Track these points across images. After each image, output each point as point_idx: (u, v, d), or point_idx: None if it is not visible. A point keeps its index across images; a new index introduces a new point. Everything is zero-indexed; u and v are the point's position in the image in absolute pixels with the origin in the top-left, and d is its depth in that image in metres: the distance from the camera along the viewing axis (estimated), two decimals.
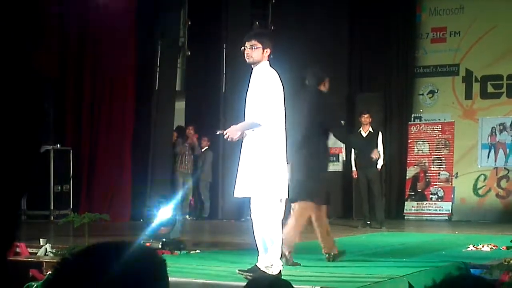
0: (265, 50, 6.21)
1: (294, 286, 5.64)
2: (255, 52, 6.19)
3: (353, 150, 13.11)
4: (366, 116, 12.99)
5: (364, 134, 12.90)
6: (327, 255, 7.48)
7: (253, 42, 6.21)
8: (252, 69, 6.28)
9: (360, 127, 13.09)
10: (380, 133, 13.02)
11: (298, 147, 7.17)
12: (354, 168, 13.09)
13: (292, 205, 7.41)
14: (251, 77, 6.26)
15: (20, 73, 2.04)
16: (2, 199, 2.03)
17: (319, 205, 7.45)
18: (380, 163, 12.70)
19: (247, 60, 6.24)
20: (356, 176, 13.10)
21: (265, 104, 6.08)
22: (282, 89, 6.24)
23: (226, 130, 6.22)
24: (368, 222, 12.77)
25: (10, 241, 2.11)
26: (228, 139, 6.24)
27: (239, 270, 6.21)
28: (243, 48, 6.25)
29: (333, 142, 16.03)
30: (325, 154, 7.65)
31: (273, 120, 6.11)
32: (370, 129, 12.94)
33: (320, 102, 7.49)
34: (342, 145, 15.85)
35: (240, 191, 6.19)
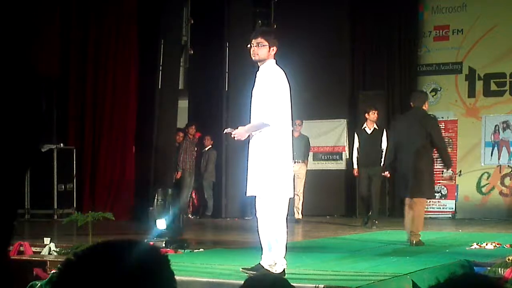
0: (271, 48, 6.21)
1: (297, 284, 5.66)
2: (261, 50, 6.19)
3: (355, 148, 12.81)
4: (374, 112, 12.66)
5: (369, 131, 12.64)
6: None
7: (260, 40, 6.22)
8: (259, 67, 6.28)
9: (363, 124, 12.81)
10: (384, 131, 12.56)
11: (418, 156, 9.09)
12: (355, 166, 12.81)
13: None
14: (258, 75, 6.26)
15: (17, 72, 2.03)
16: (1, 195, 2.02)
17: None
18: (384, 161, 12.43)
19: (253, 58, 6.24)
20: (357, 174, 12.82)
21: (272, 103, 6.08)
22: (289, 88, 6.25)
23: (235, 131, 6.21)
24: (376, 221, 12.49)
25: (8, 238, 2.10)
26: (235, 139, 6.24)
27: (242, 268, 6.21)
28: (249, 45, 6.25)
29: (335, 140, 16.11)
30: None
31: (280, 119, 6.12)
32: (375, 126, 12.65)
33: (428, 120, 9.40)
34: (345, 144, 15.88)
35: (249, 190, 6.22)
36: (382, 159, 12.06)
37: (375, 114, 12.64)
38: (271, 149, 6.11)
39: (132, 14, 14.15)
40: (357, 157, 12.77)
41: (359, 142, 12.73)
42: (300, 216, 13.55)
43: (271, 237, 6.11)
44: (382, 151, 12.17)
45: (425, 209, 15.43)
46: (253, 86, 6.29)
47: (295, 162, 13.05)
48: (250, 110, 6.27)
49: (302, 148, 13.69)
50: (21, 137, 2.02)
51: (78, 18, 14.03)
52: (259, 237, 6.24)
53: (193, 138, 15.06)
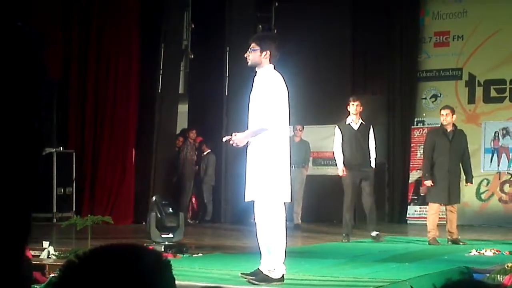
0: (264, 53, 6.21)
1: None
2: (252, 55, 6.23)
3: (337, 146, 10.82)
4: (356, 104, 10.80)
5: (355, 126, 10.84)
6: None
7: (252, 44, 6.28)
8: (256, 72, 6.30)
9: (346, 118, 10.98)
10: (371, 127, 11.03)
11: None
12: (341, 165, 10.72)
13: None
14: (255, 80, 6.28)
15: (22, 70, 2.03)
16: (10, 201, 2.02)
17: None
18: (373, 161, 10.87)
19: (248, 63, 6.29)
20: (345, 174, 10.71)
21: (270, 108, 6.09)
22: (287, 92, 6.25)
23: (234, 138, 6.21)
24: (345, 235, 10.70)
25: (22, 243, 2.10)
26: (234, 145, 6.24)
27: (241, 273, 6.21)
28: (248, 50, 6.31)
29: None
30: None
31: (277, 124, 6.12)
32: (362, 121, 10.92)
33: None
34: None
35: (247, 195, 6.22)
36: (372, 160, 10.85)
37: (355, 105, 10.79)
38: (269, 154, 6.11)
39: (133, 18, 14.16)
40: (342, 157, 10.78)
41: (343, 139, 10.80)
42: (299, 222, 13.53)
43: (270, 242, 6.11)
44: (370, 151, 10.84)
45: (425, 215, 15.50)
46: (250, 91, 6.31)
47: (294, 167, 12.96)
48: (248, 116, 6.28)
49: (303, 153, 13.68)
50: (23, 139, 2.02)
51: (79, 22, 14.05)
52: (258, 242, 6.24)
53: (194, 143, 15.06)
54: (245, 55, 6.30)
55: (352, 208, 10.92)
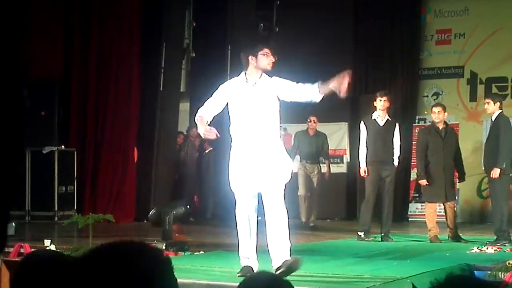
0: None
1: (297, 286, 5.66)
2: (273, 61, 6.46)
3: (363, 142, 10.53)
4: (383, 99, 10.49)
5: (381, 123, 10.50)
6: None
7: (272, 51, 6.45)
8: (262, 75, 6.44)
9: (372, 113, 10.65)
10: (397, 125, 10.69)
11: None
12: (363, 164, 10.44)
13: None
14: (265, 83, 6.40)
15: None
16: None
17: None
18: (396, 159, 10.61)
19: (268, 67, 6.39)
20: (367, 175, 10.48)
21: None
22: None
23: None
24: (362, 232, 10.50)
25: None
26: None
27: (276, 269, 6.27)
28: (266, 53, 6.37)
29: (336, 143, 16.09)
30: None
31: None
32: (388, 117, 10.57)
33: None
34: (346, 147, 15.87)
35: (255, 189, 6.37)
36: (395, 158, 10.58)
37: (382, 101, 10.47)
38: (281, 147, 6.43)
39: (134, 16, 14.16)
40: (365, 156, 10.48)
41: (367, 134, 10.49)
42: (305, 219, 13.28)
43: (285, 233, 6.30)
44: (394, 148, 10.52)
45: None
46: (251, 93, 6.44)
47: (309, 163, 12.88)
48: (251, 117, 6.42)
49: (319, 147, 13.26)
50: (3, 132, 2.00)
51: (81, 21, 14.05)
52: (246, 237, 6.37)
53: (195, 141, 15.06)
54: (270, 59, 6.40)
55: (372, 206, 10.53)
